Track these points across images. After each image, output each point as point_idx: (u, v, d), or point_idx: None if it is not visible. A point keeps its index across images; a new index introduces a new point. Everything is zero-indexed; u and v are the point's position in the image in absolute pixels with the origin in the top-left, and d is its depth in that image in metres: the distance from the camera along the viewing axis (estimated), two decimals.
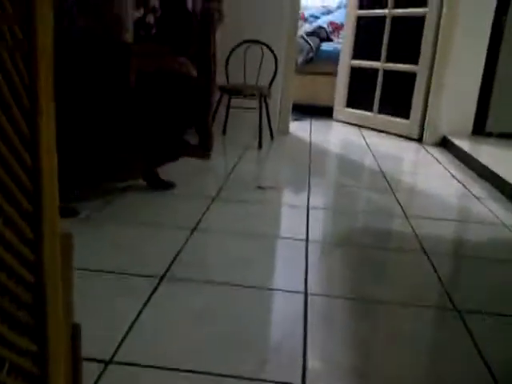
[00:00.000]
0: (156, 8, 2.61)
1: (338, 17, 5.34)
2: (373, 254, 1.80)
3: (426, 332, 1.35)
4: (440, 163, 3.24)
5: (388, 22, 4.07)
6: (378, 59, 4.18)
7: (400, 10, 4.00)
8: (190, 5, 2.74)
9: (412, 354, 1.21)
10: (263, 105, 3.44)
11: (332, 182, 2.84)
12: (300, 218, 2.08)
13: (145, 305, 1.31)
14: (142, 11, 2.55)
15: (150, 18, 2.62)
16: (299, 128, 4.19)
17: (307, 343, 1.20)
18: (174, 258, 1.60)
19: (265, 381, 1.07)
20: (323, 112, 4.73)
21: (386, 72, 4.14)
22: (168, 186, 2.26)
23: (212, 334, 1.22)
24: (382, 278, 1.63)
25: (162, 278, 1.46)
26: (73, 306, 0.69)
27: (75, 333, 0.69)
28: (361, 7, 4.33)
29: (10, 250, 0.55)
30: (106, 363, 1.07)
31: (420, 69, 3.83)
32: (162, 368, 1.07)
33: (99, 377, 1.03)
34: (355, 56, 4.44)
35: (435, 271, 1.65)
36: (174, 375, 1.06)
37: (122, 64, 1.90)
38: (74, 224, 1.83)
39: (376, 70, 4.21)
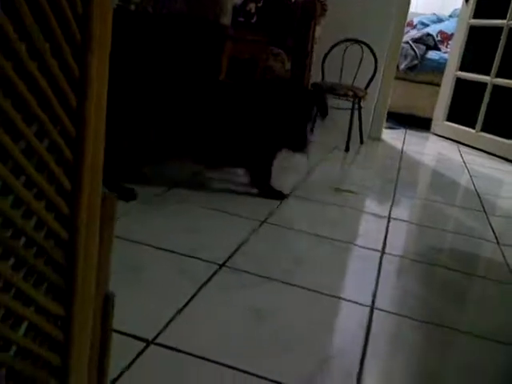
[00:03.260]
0: None
1: (449, 26, 5.02)
2: (454, 277, 1.62)
3: (505, 371, 1.17)
4: None
5: (504, 33, 3.75)
6: (487, 73, 3.87)
7: None
8: None
9: None
10: (356, 106, 3.30)
11: (420, 195, 2.65)
12: (378, 227, 1.94)
13: (198, 290, 1.26)
14: None
15: (252, 6, 2.59)
16: (392, 136, 3.99)
17: (364, 362, 1.08)
18: (237, 248, 1.54)
19: None
20: (421, 123, 4.48)
21: (495, 87, 3.82)
22: (280, 195, 2.06)
23: (261, 333, 1.13)
24: (461, 305, 1.46)
25: (221, 266, 1.40)
26: (109, 274, 0.64)
27: (107, 302, 0.64)
28: (476, 16, 4.04)
29: (43, 199, 0.50)
30: (148, 343, 1.03)
31: None
32: (203, 358, 1.01)
33: (138, 355, 0.99)
34: (462, 67, 4.14)
35: None
36: (214, 368, 0.99)
37: (216, 45, 1.87)
38: (142, 203, 1.83)
39: (484, 84, 3.90)
